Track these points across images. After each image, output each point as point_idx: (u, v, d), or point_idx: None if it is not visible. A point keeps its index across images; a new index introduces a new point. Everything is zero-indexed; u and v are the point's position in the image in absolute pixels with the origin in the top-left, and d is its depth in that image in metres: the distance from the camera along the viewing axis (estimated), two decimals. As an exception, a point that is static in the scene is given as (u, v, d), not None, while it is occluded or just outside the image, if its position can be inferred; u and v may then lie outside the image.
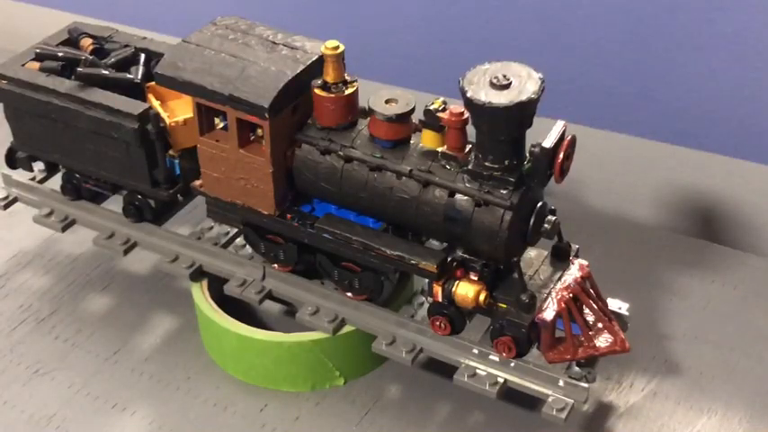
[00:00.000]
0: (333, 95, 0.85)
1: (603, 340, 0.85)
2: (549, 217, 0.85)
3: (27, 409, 0.93)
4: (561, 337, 0.85)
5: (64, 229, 1.04)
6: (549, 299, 0.85)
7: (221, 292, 0.97)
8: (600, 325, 0.86)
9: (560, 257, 0.88)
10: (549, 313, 0.84)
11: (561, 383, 0.84)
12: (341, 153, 0.86)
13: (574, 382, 0.84)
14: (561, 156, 0.81)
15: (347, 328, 0.92)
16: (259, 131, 0.88)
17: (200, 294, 0.97)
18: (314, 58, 0.86)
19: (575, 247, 0.89)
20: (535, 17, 1.14)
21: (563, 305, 0.84)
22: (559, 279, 0.87)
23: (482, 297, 0.84)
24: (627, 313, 0.91)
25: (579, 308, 0.86)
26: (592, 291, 0.87)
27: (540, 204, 0.84)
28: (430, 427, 0.91)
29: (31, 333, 1.01)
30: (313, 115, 0.87)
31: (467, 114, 0.81)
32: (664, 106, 1.13)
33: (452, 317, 0.87)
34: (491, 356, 0.86)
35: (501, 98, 0.78)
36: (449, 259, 0.85)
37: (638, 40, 1.11)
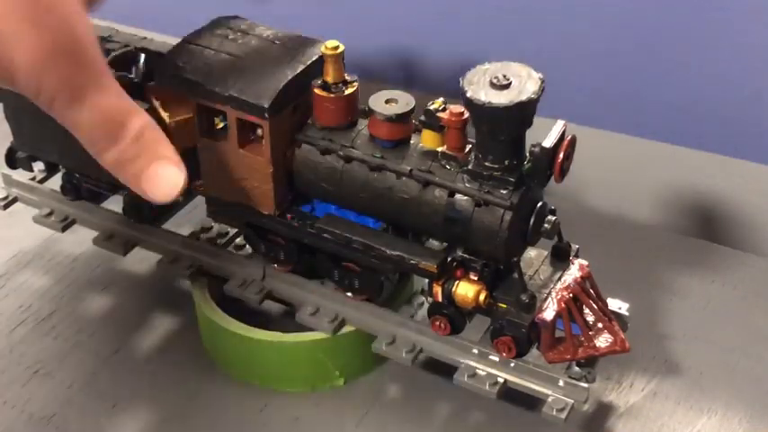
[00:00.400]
0: (333, 95, 0.85)
1: (603, 340, 0.85)
2: (549, 217, 0.85)
3: (27, 409, 0.93)
4: (561, 337, 0.85)
5: (64, 229, 1.04)
6: (549, 299, 0.85)
7: (221, 292, 0.96)
8: (600, 325, 0.86)
9: (560, 257, 0.88)
10: (549, 313, 0.84)
11: (561, 383, 0.84)
12: (341, 153, 0.86)
13: (574, 382, 0.84)
14: (561, 156, 0.81)
15: (347, 328, 0.92)
16: (259, 131, 0.87)
17: (200, 294, 0.97)
18: (314, 58, 0.86)
19: (575, 247, 0.89)
20: (535, 17, 1.14)
21: (563, 305, 0.84)
22: (559, 279, 0.87)
23: (482, 297, 0.84)
24: (627, 313, 0.90)
25: (579, 308, 0.86)
26: (592, 291, 0.87)
27: (539, 204, 0.84)
28: (430, 427, 0.91)
29: (31, 333, 1.01)
30: (313, 115, 0.87)
31: (467, 114, 0.81)
32: (663, 106, 1.13)
33: (452, 317, 0.87)
34: (491, 356, 0.86)
35: (501, 98, 0.77)
36: (449, 259, 0.85)
37: (639, 40, 1.11)
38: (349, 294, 0.92)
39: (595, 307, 0.86)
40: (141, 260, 1.07)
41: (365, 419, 0.92)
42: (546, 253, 0.89)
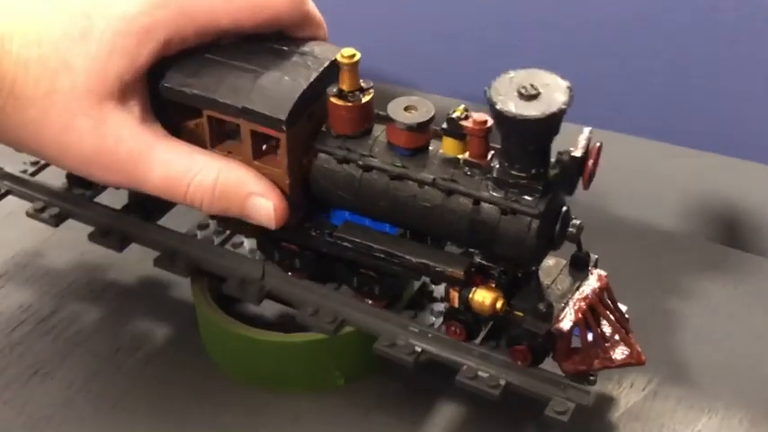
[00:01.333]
0: (350, 104, 0.84)
1: (620, 352, 0.85)
2: (575, 221, 0.84)
3: (27, 409, 0.93)
4: (577, 347, 0.85)
5: (57, 224, 1.03)
6: (567, 309, 0.84)
7: (221, 292, 0.96)
8: (617, 337, 0.85)
9: (579, 267, 0.88)
10: (566, 323, 0.83)
11: (563, 386, 0.84)
12: (360, 162, 0.84)
13: (576, 384, 0.84)
14: (590, 163, 0.79)
15: (347, 329, 0.92)
16: (273, 141, 0.86)
17: (200, 294, 0.97)
18: (326, 64, 0.85)
19: (593, 257, 0.88)
20: (559, 21, 1.12)
21: (580, 316, 0.84)
22: (577, 289, 0.86)
23: (499, 304, 0.83)
24: (626, 316, 0.90)
25: (596, 319, 0.85)
26: (609, 302, 0.87)
27: (564, 209, 0.83)
28: (430, 427, 0.91)
29: (31, 333, 1.01)
30: (328, 122, 0.86)
31: (490, 122, 0.80)
32: (681, 109, 1.12)
33: (468, 323, 0.87)
34: (493, 358, 0.86)
35: (531, 110, 0.76)
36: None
37: (666, 44, 1.09)
38: (369, 301, 0.92)
39: (612, 318, 0.86)
40: (141, 260, 1.06)
41: (365, 419, 0.92)
42: (564, 262, 0.88)
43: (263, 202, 0.84)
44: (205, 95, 0.84)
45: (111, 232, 1.01)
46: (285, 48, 0.87)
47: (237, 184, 0.84)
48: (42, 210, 1.03)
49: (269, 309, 1.01)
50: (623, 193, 1.18)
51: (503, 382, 0.85)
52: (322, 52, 0.86)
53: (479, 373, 0.86)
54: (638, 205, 1.17)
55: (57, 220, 1.03)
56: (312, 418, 0.92)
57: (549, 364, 0.86)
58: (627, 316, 0.90)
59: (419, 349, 0.88)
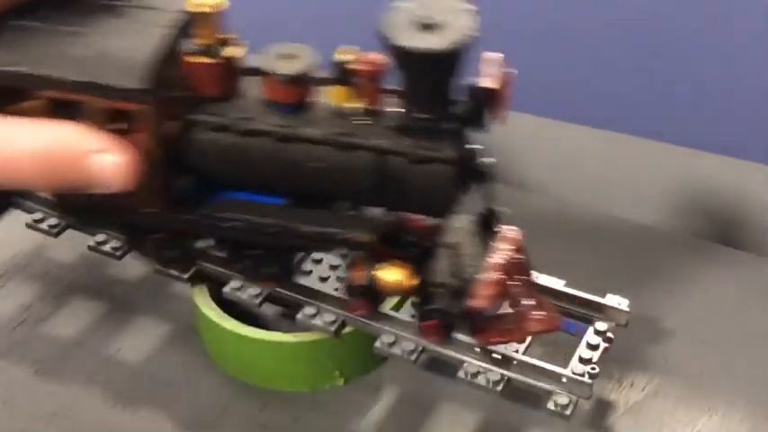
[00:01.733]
0: (214, 61, 0.73)
1: (535, 320, 0.80)
2: (484, 160, 0.75)
3: (27, 409, 0.93)
4: (492, 317, 0.80)
5: (57, 235, 1.03)
6: (481, 279, 0.77)
7: (221, 292, 0.96)
8: (530, 302, 0.80)
9: (488, 226, 0.79)
10: (481, 297, 0.77)
11: (564, 380, 0.84)
12: (239, 128, 0.74)
13: (577, 377, 0.84)
14: (505, 94, 0.70)
15: (347, 329, 0.92)
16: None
17: (200, 295, 0.97)
18: (176, 18, 0.72)
19: (502, 212, 0.79)
20: (553, 21, 1.13)
21: (496, 288, 0.77)
22: (489, 254, 0.78)
23: (408, 283, 0.78)
24: (627, 309, 0.90)
25: (511, 287, 0.79)
26: (522, 264, 0.80)
27: (475, 148, 0.74)
28: (430, 427, 0.91)
29: (31, 333, 1.01)
30: (191, 85, 0.75)
31: (384, 62, 0.71)
32: (681, 110, 1.12)
33: (372, 295, 0.80)
34: (494, 354, 0.86)
35: (435, 41, 0.67)
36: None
37: (666, 44, 1.09)
38: (264, 284, 0.86)
39: (526, 284, 0.80)
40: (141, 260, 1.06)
41: (365, 419, 0.92)
42: (473, 222, 0.80)
43: (108, 158, 0.69)
44: (37, 73, 0.70)
45: (110, 242, 0.99)
46: (116, 2, 0.74)
47: (72, 143, 0.69)
48: (42, 221, 1.03)
49: (269, 309, 1.01)
50: (622, 193, 1.18)
51: (504, 378, 0.85)
52: (166, 4, 0.73)
53: (480, 370, 0.86)
54: (638, 205, 1.18)
55: (56, 231, 1.02)
56: (312, 418, 0.92)
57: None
58: (628, 309, 0.88)
59: (420, 348, 0.88)
